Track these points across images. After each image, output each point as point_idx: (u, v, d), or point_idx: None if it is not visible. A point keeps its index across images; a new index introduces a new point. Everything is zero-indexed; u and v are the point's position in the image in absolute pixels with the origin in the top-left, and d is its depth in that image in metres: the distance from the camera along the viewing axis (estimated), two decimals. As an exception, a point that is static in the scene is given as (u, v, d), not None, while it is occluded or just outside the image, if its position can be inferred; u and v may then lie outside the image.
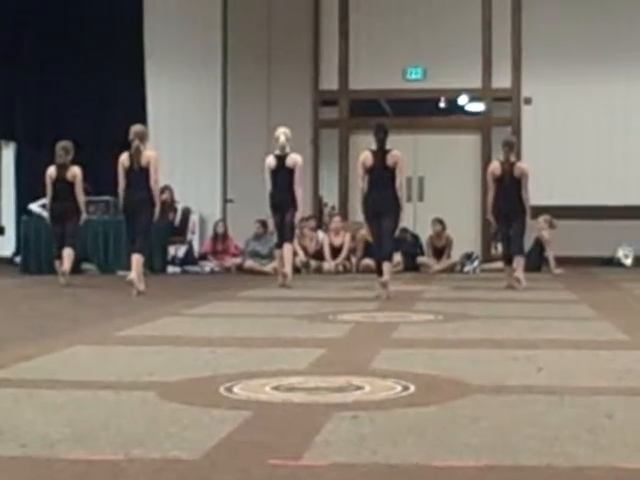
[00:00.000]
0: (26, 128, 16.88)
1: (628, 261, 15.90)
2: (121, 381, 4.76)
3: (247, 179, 15.53)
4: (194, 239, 15.63)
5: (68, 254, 11.52)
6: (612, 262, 15.81)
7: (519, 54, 16.66)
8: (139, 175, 10.37)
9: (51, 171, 11.83)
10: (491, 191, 11.26)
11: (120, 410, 4.08)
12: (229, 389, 4.47)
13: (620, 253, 15.96)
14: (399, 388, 4.50)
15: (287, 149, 11.31)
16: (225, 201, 16.83)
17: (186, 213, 15.50)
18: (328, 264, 14.61)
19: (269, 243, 13.84)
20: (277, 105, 16.29)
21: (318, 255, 14.79)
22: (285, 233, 11.33)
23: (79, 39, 16.57)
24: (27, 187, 15.92)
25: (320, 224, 16.04)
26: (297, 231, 12.80)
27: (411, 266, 14.69)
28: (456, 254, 15.10)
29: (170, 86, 16.79)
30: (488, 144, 16.66)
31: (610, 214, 16.07)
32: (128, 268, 10.48)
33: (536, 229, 14.43)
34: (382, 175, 9.87)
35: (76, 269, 12.64)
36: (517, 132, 16.22)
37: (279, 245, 11.43)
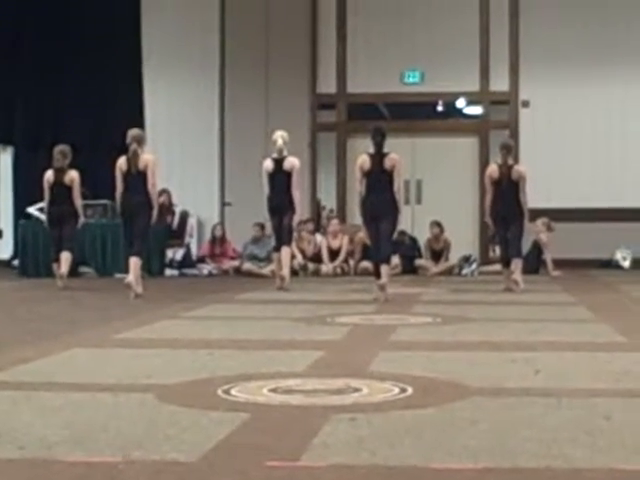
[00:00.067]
0: (24, 132, 16.88)
1: (626, 263, 15.91)
2: (119, 383, 4.76)
3: (245, 182, 15.54)
4: (192, 242, 15.64)
5: (66, 257, 11.52)
6: (610, 264, 15.82)
7: (517, 57, 16.68)
8: (137, 179, 10.37)
9: (49, 175, 11.84)
10: (489, 194, 11.27)
11: (118, 412, 4.08)
12: (227, 391, 4.47)
13: (618, 255, 15.97)
14: (397, 390, 4.50)
15: (285, 152, 11.32)
16: (223, 204, 16.83)
17: (184, 216, 15.51)
18: (326, 267, 14.62)
19: (267, 246, 13.85)
20: (275, 109, 16.30)
21: (316, 258, 14.80)
22: (283, 236, 11.33)
23: (77, 43, 16.56)
24: (25, 191, 15.91)
25: (318, 227, 16.06)
26: (295, 234, 12.80)
27: (409, 269, 14.70)
28: (454, 257, 15.11)
29: (168, 90, 16.79)
30: (486, 147, 16.68)
31: (608, 217, 16.09)
32: (126, 271, 10.49)
33: (534, 232, 14.44)
34: (380, 178, 9.87)
35: (74, 272, 12.64)
36: (515, 135, 16.23)
37: (277, 248, 11.43)
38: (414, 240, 15.33)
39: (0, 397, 4.41)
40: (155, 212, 10.51)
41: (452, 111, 17.61)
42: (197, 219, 16.27)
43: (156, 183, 10.61)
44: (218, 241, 15.26)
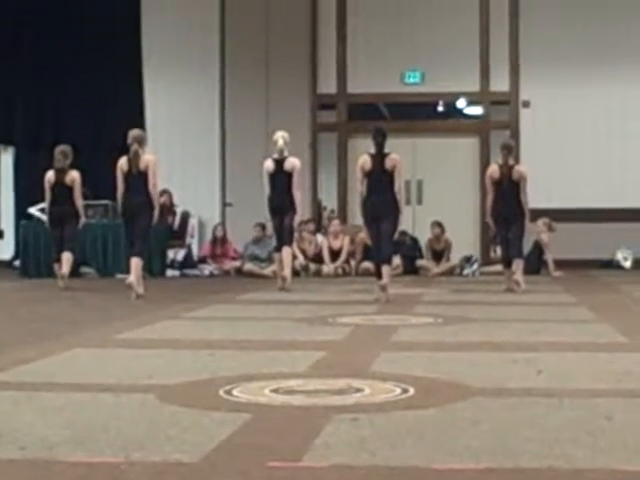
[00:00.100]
0: (25, 132, 16.88)
1: (627, 264, 15.91)
2: (120, 384, 4.76)
3: (246, 183, 15.54)
4: (193, 243, 15.64)
5: (67, 258, 11.53)
6: (611, 265, 15.82)
7: (517, 57, 16.67)
8: (138, 179, 10.37)
9: (50, 175, 11.84)
10: (490, 194, 11.27)
11: (120, 413, 4.08)
12: (228, 392, 4.47)
13: (619, 256, 15.96)
14: (398, 391, 4.50)
15: (285, 153, 11.32)
16: (224, 205, 16.83)
17: (185, 217, 15.51)
18: (327, 267, 14.62)
19: (268, 247, 13.85)
20: (275, 109, 16.29)
21: (317, 258, 14.79)
22: (284, 236, 11.33)
23: (77, 43, 16.55)
24: (26, 191, 15.91)
25: (319, 227, 16.06)
26: (296, 234, 12.81)
27: (410, 269, 14.69)
28: (455, 257, 15.10)
29: (168, 90, 16.79)
30: (486, 147, 16.67)
31: (609, 217, 16.09)
32: (127, 271, 10.49)
33: (535, 232, 14.44)
34: (381, 179, 9.87)
35: (75, 273, 12.64)
36: (515, 135, 16.22)
37: (278, 248, 11.43)
38: (415, 240, 15.33)
39: (1, 397, 4.41)
40: (156, 212, 10.52)
41: (453, 111, 17.61)
42: (198, 219, 16.27)
43: (157, 183, 10.61)
44: (219, 241, 15.26)
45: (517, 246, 11.12)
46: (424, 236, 15.32)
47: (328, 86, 16.99)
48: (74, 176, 11.74)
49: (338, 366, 5.35)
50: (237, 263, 14.88)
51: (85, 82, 16.42)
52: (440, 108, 17.58)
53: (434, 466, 3.16)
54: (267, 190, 11.33)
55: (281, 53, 16.55)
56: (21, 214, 15.49)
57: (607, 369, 5.25)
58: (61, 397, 4.42)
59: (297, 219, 11.61)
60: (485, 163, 15.22)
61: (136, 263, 10.19)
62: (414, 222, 16.09)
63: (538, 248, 14.76)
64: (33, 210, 14.39)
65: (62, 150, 11.82)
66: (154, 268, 13.89)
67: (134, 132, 10.60)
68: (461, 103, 17.48)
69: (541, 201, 14.83)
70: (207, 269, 14.78)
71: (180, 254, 14.90)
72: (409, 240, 15.05)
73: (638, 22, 16.44)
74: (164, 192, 14.35)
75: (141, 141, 10.53)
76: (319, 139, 17.02)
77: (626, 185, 16.34)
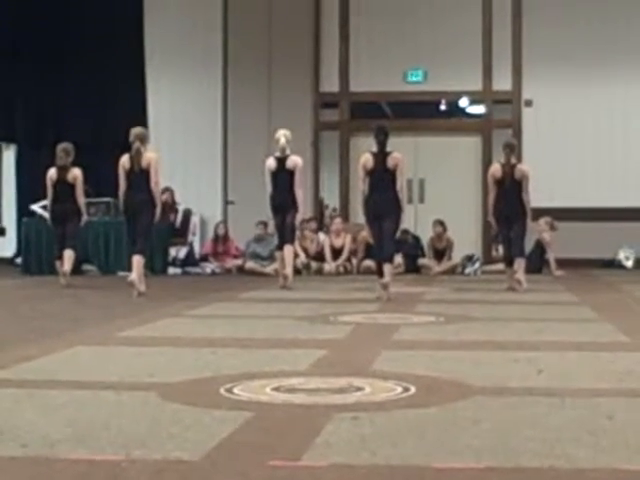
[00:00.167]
0: (27, 130, 16.89)
1: (629, 263, 15.90)
2: (122, 382, 4.76)
3: (248, 181, 15.53)
4: (195, 240, 15.64)
5: (69, 255, 11.53)
6: (613, 264, 15.80)
7: (519, 57, 16.66)
8: (140, 177, 10.37)
9: (52, 173, 11.84)
10: (492, 193, 11.27)
11: (121, 410, 4.08)
12: (230, 390, 4.47)
13: (621, 255, 15.95)
14: (400, 389, 4.50)
15: (287, 151, 11.32)
16: (226, 203, 16.83)
17: (187, 215, 15.51)
18: (329, 265, 14.62)
19: (270, 245, 13.85)
20: (278, 107, 16.29)
21: (319, 257, 14.80)
22: (286, 235, 11.33)
23: (79, 42, 16.58)
24: (28, 189, 15.93)
25: (321, 226, 16.05)
26: (298, 233, 12.80)
27: (412, 268, 14.69)
28: (457, 256, 15.10)
29: (171, 88, 16.80)
30: (489, 146, 16.67)
31: (611, 216, 16.08)
32: (129, 269, 10.49)
33: (537, 231, 14.43)
34: (383, 177, 9.87)
35: (77, 270, 12.65)
36: (518, 134, 16.22)
37: (280, 247, 11.43)
38: (417, 239, 15.32)
39: (3, 395, 4.41)
40: (158, 210, 10.53)
41: (455, 110, 17.60)
42: (200, 217, 16.28)
43: (159, 181, 10.62)
44: (221, 239, 15.26)
45: (519, 245, 11.12)
46: (426, 235, 15.32)
47: (331, 84, 16.99)
48: (76, 174, 11.74)
49: (339, 365, 5.35)
50: (239, 261, 14.88)
51: (87, 80, 16.44)
52: (442, 107, 17.57)
53: (435, 465, 3.16)
54: (269, 188, 11.33)
55: (284, 52, 16.54)
56: (23, 211, 15.51)
57: (609, 368, 5.25)
58: (63, 395, 4.42)
59: (299, 217, 11.60)
60: (487, 162, 15.22)
61: (138, 261, 10.20)
62: (416, 221, 16.09)
63: (540, 247, 14.75)
64: (36, 207, 14.40)
65: (64, 148, 11.82)
66: (156, 266, 13.90)
67: (136, 130, 10.60)
68: (463, 102, 17.47)
69: (543, 200, 14.81)
70: (209, 267, 14.78)
71: (182, 252, 14.91)
72: (411, 239, 15.05)
73: (641, 21, 16.44)
74: (166, 190, 14.36)
75: (143, 139, 10.53)
76: (321, 137, 17.01)
77: (628, 184, 16.33)
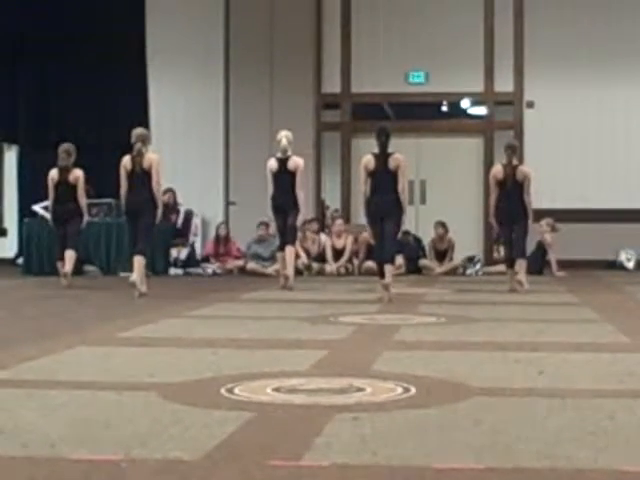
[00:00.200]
0: (28, 131, 16.91)
1: (630, 264, 15.89)
2: (123, 382, 4.76)
3: (249, 182, 15.53)
4: (196, 241, 15.64)
5: (70, 256, 11.53)
6: (614, 265, 15.80)
7: (521, 58, 16.65)
8: (141, 178, 10.38)
9: (53, 174, 11.85)
10: (493, 194, 11.27)
11: (122, 410, 4.08)
12: (230, 390, 4.47)
13: (622, 256, 15.95)
14: (400, 390, 4.50)
15: (289, 152, 11.32)
16: (227, 204, 16.84)
17: (188, 215, 15.52)
18: (330, 266, 14.62)
19: (271, 246, 13.86)
20: (279, 108, 16.29)
21: (320, 257, 14.80)
22: (287, 236, 11.33)
23: (81, 42, 16.58)
24: (29, 189, 15.94)
25: (322, 227, 16.05)
26: (299, 234, 12.80)
27: (413, 269, 14.69)
28: (458, 257, 15.10)
29: (172, 89, 16.80)
30: (490, 148, 16.66)
31: (612, 217, 16.07)
32: (130, 270, 10.49)
33: (538, 232, 14.43)
34: (384, 178, 9.86)
35: (78, 271, 12.66)
36: (519, 136, 16.21)
37: (281, 247, 11.43)
38: (418, 240, 15.32)
39: (4, 395, 4.42)
40: (159, 211, 10.53)
41: (457, 111, 17.59)
42: (201, 218, 16.29)
43: (160, 182, 10.62)
44: (222, 240, 15.27)
45: (520, 246, 11.12)
46: (427, 236, 15.32)
47: (332, 86, 16.99)
48: (78, 174, 11.75)
49: (340, 365, 5.35)
50: (240, 262, 14.88)
51: (89, 81, 16.45)
52: (444, 108, 17.57)
53: (435, 465, 3.16)
54: (270, 189, 11.33)
55: (285, 53, 16.55)
56: (25, 212, 15.51)
57: (610, 369, 5.25)
58: (63, 395, 4.42)
59: (300, 218, 11.60)
60: (489, 163, 15.22)
61: (139, 261, 10.20)
62: (417, 222, 16.09)
63: (541, 248, 14.75)
64: (37, 208, 14.41)
65: (66, 148, 11.83)
66: (157, 267, 13.91)
67: (138, 131, 10.61)
68: (465, 103, 17.47)
69: (545, 201, 14.83)
70: (210, 268, 14.79)
71: (183, 253, 14.91)
72: (412, 240, 15.05)
73: (643, 23, 16.44)
74: (167, 191, 14.37)
75: (145, 140, 10.54)
76: (323, 138, 17.02)
77: (630, 186, 16.33)
